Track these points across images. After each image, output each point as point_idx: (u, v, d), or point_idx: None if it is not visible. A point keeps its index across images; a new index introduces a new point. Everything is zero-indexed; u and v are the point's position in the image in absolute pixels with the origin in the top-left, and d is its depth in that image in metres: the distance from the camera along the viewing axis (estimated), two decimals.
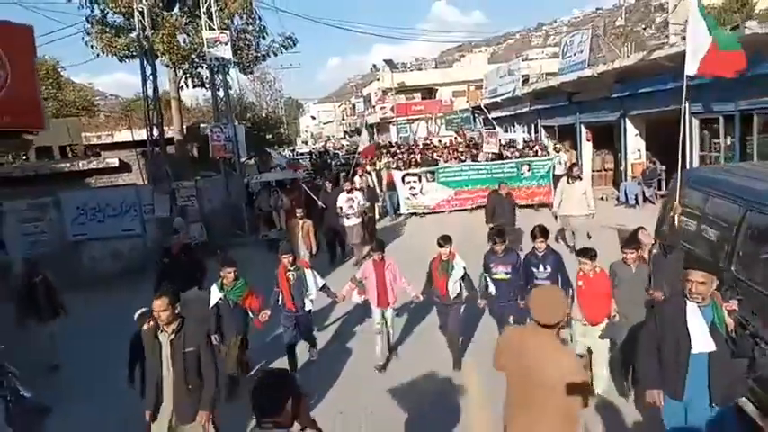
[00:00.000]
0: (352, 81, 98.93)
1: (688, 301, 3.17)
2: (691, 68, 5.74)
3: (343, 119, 68.09)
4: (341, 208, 10.50)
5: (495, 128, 19.14)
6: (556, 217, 9.66)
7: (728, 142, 10.82)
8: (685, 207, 5.10)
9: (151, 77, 14.19)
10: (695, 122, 11.62)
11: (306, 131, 78.67)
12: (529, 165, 14.67)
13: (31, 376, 5.46)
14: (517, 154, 16.58)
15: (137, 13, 13.84)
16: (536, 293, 3.06)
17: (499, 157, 16.15)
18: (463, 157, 16.97)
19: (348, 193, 10.69)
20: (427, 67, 49.74)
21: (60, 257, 10.54)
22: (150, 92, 14.39)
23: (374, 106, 45.48)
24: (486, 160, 15.80)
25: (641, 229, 5.42)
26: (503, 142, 18.27)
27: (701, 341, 3.11)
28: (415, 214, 15.08)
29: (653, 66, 12.34)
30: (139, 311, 5.01)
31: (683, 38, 12.78)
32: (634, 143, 15.25)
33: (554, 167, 14.40)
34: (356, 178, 14.08)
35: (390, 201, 15.45)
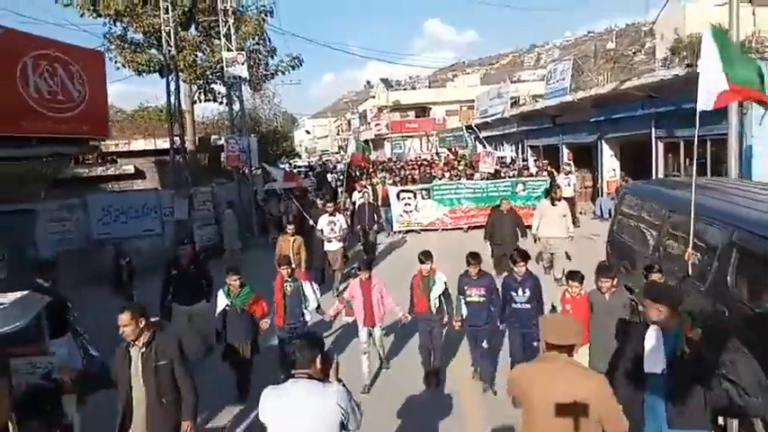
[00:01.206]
0: (346, 97, 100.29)
1: (650, 325, 3.25)
2: (704, 104, 5.12)
3: (338, 134, 69.44)
4: (321, 231, 10.00)
5: (486, 147, 20.24)
6: (535, 239, 9.61)
7: (688, 164, 12.22)
8: (626, 211, 6.39)
9: (174, 92, 15.46)
10: (660, 146, 12.96)
11: (300, 146, 79.68)
12: (524, 184, 14.65)
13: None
14: (512, 173, 16.65)
15: (164, 34, 15.12)
16: (550, 318, 3.32)
17: (496, 175, 16.16)
18: (464, 174, 17.05)
19: (330, 215, 10.05)
20: (421, 85, 51.33)
21: (86, 254, 11.60)
22: (174, 105, 15.68)
23: (369, 122, 46.99)
24: (482, 179, 15.72)
25: (656, 281, 4.65)
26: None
27: (651, 362, 3.17)
28: (408, 231, 14.94)
29: (625, 94, 13.78)
30: None
31: (668, 66, 13.96)
32: (609, 163, 16.63)
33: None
34: (355, 194, 14.50)
35: (386, 216, 14.80)
